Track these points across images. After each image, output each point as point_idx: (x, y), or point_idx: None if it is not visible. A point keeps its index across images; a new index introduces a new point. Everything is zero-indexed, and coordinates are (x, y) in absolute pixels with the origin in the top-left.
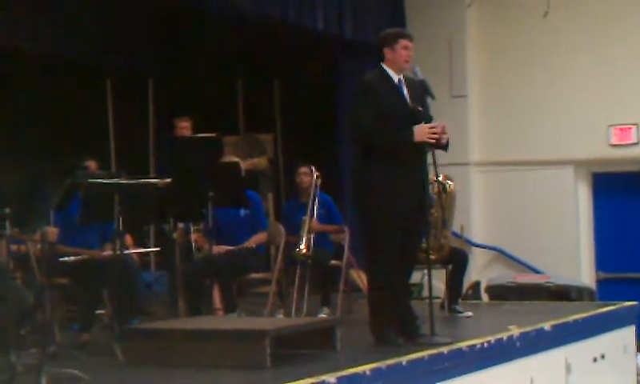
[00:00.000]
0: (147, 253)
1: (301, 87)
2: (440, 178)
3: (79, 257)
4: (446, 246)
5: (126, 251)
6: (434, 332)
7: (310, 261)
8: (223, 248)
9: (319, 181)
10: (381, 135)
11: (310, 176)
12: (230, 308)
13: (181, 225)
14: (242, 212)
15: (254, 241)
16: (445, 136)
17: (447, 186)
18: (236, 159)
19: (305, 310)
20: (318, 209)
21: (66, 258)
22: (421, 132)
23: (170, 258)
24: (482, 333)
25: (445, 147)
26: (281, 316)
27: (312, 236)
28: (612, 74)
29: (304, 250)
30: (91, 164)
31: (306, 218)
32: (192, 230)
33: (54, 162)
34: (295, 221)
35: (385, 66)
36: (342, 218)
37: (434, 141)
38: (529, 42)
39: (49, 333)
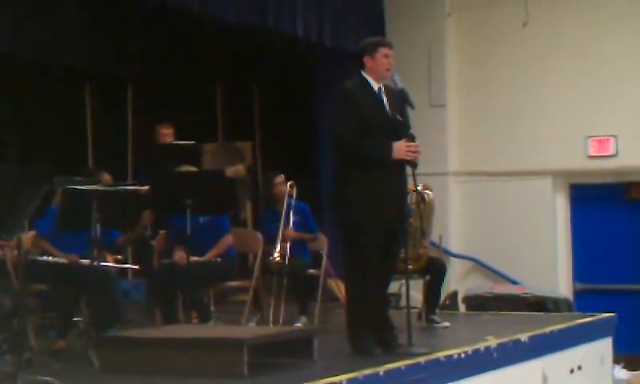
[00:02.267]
0: (125, 260)
1: (280, 95)
2: (419, 188)
3: (57, 259)
4: (424, 255)
5: (103, 263)
6: (411, 342)
7: (285, 269)
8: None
9: (294, 189)
10: (359, 148)
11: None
12: (204, 317)
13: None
14: (202, 219)
15: (218, 248)
16: (419, 155)
17: (426, 195)
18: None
19: (282, 318)
20: (294, 216)
21: (45, 258)
22: (399, 149)
23: (148, 266)
24: (459, 343)
25: (416, 165)
26: (258, 325)
27: (287, 244)
28: (591, 85)
29: (277, 258)
30: (106, 178)
31: (280, 226)
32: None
33: (30, 166)
34: (272, 230)
35: (365, 74)
36: (317, 226)
37: (411, 158)
38: (508, 51)
39: (24, 340)
